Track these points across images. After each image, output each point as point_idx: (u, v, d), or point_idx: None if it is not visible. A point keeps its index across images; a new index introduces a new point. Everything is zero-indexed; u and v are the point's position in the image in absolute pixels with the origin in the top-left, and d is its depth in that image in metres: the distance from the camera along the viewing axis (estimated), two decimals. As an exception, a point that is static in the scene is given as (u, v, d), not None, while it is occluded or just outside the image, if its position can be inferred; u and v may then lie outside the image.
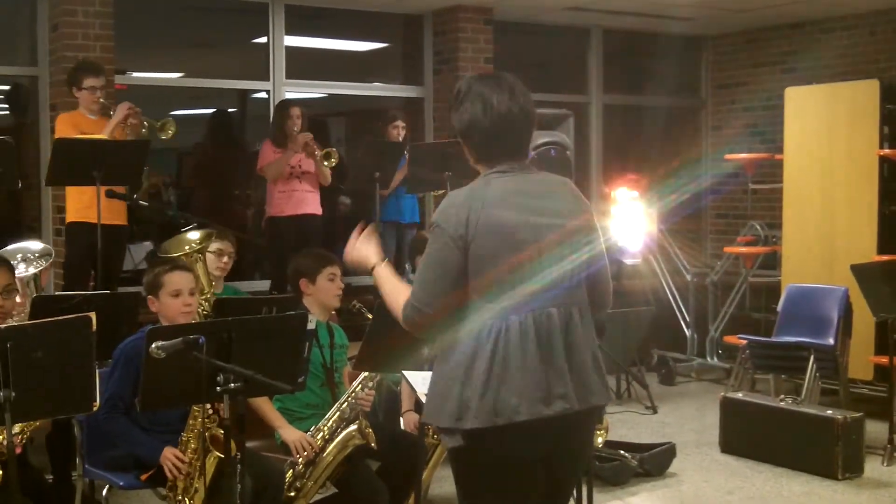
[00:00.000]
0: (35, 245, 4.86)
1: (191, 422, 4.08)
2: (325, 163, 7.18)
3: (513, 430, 2.93)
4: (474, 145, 3.10)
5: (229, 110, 8.92)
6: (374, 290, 7.14)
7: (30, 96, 7.66)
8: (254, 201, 8.77)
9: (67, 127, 6.29)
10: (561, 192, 3.11)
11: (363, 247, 3.26)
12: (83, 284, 6.20)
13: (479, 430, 2.92)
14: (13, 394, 3.20)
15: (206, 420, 4.01)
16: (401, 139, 7.68)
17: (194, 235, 4.92)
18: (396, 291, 3.10)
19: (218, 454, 3.88)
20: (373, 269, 3.21)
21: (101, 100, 6.38)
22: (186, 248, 4.78)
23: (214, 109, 8.79)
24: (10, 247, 4.87)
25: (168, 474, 4.06)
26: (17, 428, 3.57)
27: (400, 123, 7.78)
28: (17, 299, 4.44)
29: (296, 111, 7.28)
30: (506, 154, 3.07)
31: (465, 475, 3.07)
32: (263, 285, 7.72)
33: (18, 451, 3.76)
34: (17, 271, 4.57)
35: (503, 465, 2.98)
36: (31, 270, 4.65)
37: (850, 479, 5.80)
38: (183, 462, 4.05)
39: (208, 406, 3.96)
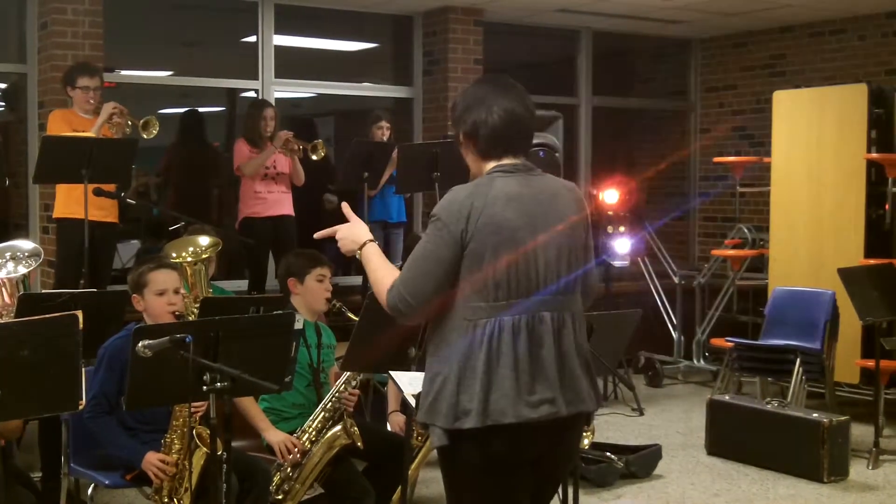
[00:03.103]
0: (25, 244, 4.84)
1: (174, 422, 4.07)
2: (314, 156, 7.20)
3: (500, 432, 2.93)
4: (480, 144, 3.09)
5: (200, 110, 8.88)
6: (361, 291, 7.19)
7: (19, 93, 7.65)
8: (225, 201, 8.76)
9: (60, 123, 6.29)
10: (563, 196, 3.11)
11: (355, 225, 3.23)
12: (74, 282, 6.18)
13: (467, 431, 2.93)
14: (-1, 392, 3.20)
15: (191, 418, 4.00)
16: (385, 139, 7.68)
17: (204, 241, 4.92)
18: (383, 271, 3.08)
19: (205, 449, 3.88)
20: (363, 246, 3.17)
21: (92, 101, 6.37)
22: (191, 249, 4.78)
23: (186, 109, 8.76)
24: (-1, 245, 4.85)
25: (153, 479, 4.05)
26: None
27: (384, 124, 7.77)
28: (6, 299, 4.43)
29: (269, 112, 7.28)
30: (510, 150, 3.08)
31: (452, 474, 3.08)
32: (239, 285, 7.67)
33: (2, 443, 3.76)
34: (6, 270, 4.55)
35: (490, 465, 2.98)
36: (21, 270, 4.61)
37: (835, 482, 5.82)
38: (167, 464, 4.05)
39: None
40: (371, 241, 3.18)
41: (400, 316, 3.02)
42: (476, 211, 2.95)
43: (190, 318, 4.41)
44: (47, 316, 3.45)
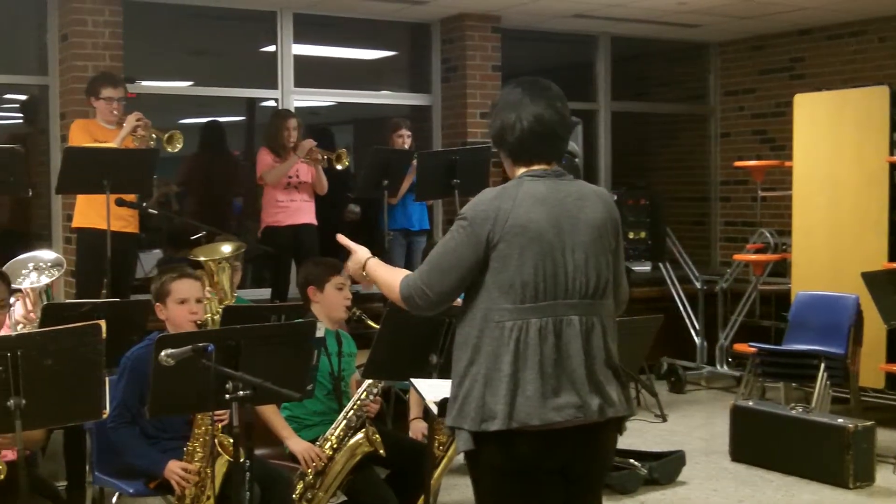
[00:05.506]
0: (48, 255, 4.87)
1: (196, 430, 4.08)
2: (339, 166, 7.21)
3: (525, 435, 2.92)
4: (509, 149, 3.12)
5: (220, 119, 8.91)
6: (381, 299, 7.21)
7: (39, 105, 7.70)
8: (246, 210, 8.78)
9: (81, 133, 6.31)
10: (592, 201, 3.09)
11: (355, 253, 3.33)
12: (96, 292, 6.21)
13: (493, 433, 2.91)
14: (23, 401, 3.21)
15: (213, 427, 4.01)
16: (406, 147, 7.68)
17: (227, 249, 5.01)
18: (391, 275, 3.17)
19: (227, 457, 3.89)
20: (364, 266, 3.27)
21: (115, 111, 6.40)
22: (216, 252, 4.86)
23: (206, 119, 8.80)
24: (22, 256, 4.89)
25: (176, 488, 4.07)
26: None
27: (404, 132, 7.77)
28: (30, 308, 4.46)
29: (292, 122, 7.27)
30: (540, 157, 3.10)
31: (479, 478, 3.06)
32: (262, 293, 7.70)
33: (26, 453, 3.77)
34: (29, 280, 4.58)
35: (515, 469, 2.96)
36: (44, 280, 4.65)
37: (861, 487, 5.77)
38: (190, 472, 4.06)
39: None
40: (370, 257, 3.28)
41: (413, 307, 3.05)
42: (504, 213, 2.96)
43: (213, 319, 4.44)
44: (70, 325, 3.47)
